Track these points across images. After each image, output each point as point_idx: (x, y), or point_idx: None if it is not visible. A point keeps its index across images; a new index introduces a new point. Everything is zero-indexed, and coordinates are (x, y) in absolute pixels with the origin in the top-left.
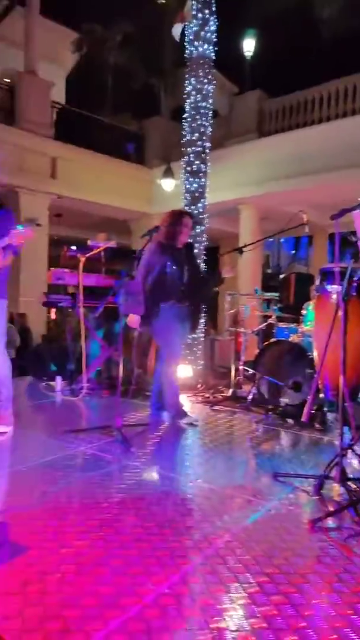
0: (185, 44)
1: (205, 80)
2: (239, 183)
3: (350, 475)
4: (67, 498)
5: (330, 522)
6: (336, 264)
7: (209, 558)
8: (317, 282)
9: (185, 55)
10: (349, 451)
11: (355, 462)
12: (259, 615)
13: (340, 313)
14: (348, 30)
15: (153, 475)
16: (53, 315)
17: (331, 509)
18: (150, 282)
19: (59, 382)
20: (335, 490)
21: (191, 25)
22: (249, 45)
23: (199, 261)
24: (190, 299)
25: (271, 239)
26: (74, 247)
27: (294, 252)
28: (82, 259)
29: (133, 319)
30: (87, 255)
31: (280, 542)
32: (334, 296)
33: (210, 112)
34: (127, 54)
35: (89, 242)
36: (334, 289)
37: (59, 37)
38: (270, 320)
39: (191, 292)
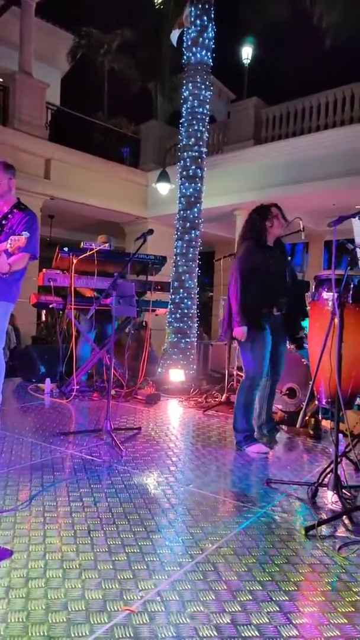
0: (183, 49)
1: (203, 86)
2: (236, 189)
3: (345, 483)
4: (55, 502)
5: (324, 530)
6: (333, 271)
7: (200, 564)
8: (313, 289)
9: (182, 61)
10: (344, 459)
11: (349, 469)
12: (250, 623)
13: (337, 320)
14: (345, 40)
15: (143, 480)
16: (44, 317)
17: (325, 516)
18: (255, 287)
19: (48, 385)
20: (329, 498)
21: (190, 32)
22: (246, 53)
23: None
24: (288, 306)
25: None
26: (66, 249)
27: (289, 258)
28: (75, 261)
29: (241, 332)
30: (80, 257)
31: (272, 550)
32: (330, 304)
33: (207, 118)
34: (124, 59)
35: (82, 244)
36: (330, 297)
37: (55, 39)
38: None
39: (290, 299)
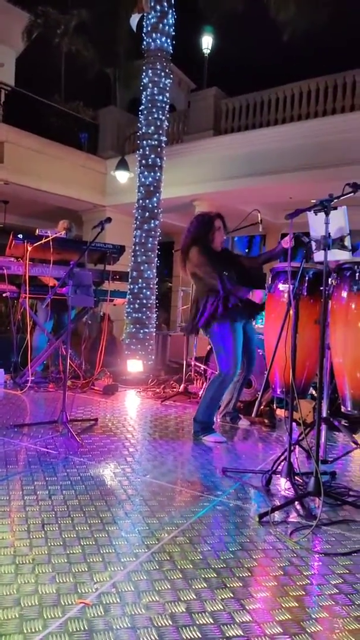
0: (143, 35)
1: (163, 74)
2: (195, 179)
3: (297, 470)
4: (8, 496)
5: (277, 517)
6: (289, 263)
7: (156, 555)
8: (269, 281)
9: (142, 46)
10: (297, 447)
11: (302, 457)
12: (204, 611)
13: (292, 312)
14: (301, 36)
15: (100, 471)
16: None
17: (278, 503)
18: (227, 277)
19: (1, 376)
20: (282, 485)
21: (149, 17)
22: (207, 43)
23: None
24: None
25: (225, 237)
26: (20, 236)
27: (247, 250)
28: (29, 248)
29: (258, 294)
30: (35, 244)
31: (227, 537)
32: (285, 295)
33: (167, 106)
34: (82, 41)
35: (38, 231)
36: (286, 289)
37: (9, 17)
38: None
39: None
